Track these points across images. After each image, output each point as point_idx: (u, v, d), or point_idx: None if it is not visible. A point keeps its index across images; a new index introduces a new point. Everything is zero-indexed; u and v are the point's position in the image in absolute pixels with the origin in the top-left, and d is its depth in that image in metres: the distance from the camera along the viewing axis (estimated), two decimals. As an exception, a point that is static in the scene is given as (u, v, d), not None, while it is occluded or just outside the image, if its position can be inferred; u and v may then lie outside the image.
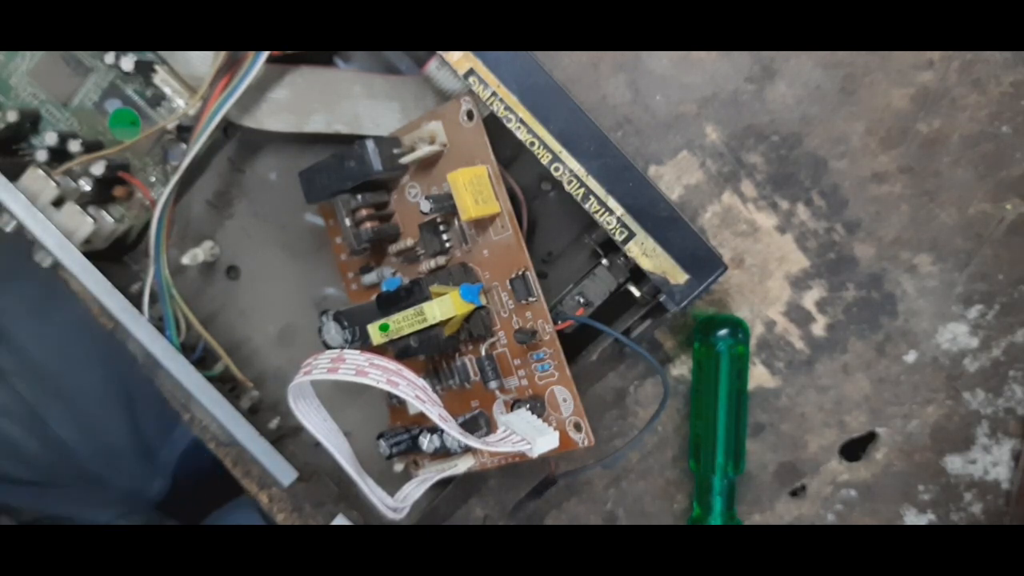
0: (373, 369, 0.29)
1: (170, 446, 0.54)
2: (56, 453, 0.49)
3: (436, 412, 0.29)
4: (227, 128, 0.38)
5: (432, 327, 0.32)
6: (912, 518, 0.38)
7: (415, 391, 0.29)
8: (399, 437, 0.35)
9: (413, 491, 0.34)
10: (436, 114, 0.33)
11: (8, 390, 0.48)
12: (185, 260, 0.38)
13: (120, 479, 0.52)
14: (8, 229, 0.35)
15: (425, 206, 0.32)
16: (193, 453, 0.54)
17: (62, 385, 0.49)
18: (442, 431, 0.33)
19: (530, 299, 0.32)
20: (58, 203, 0.35)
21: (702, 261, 0.30)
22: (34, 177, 0.34)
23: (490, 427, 0.34)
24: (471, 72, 0.31)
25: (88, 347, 0.50)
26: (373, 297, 0.34)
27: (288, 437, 0.40)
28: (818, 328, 0.37)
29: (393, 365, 0.29)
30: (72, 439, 0.49)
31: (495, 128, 0.31)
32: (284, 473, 0.36)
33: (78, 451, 0.50)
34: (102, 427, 0.50)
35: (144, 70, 0.36)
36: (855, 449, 0.38)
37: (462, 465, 0.35)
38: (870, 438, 0.38)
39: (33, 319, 0.49)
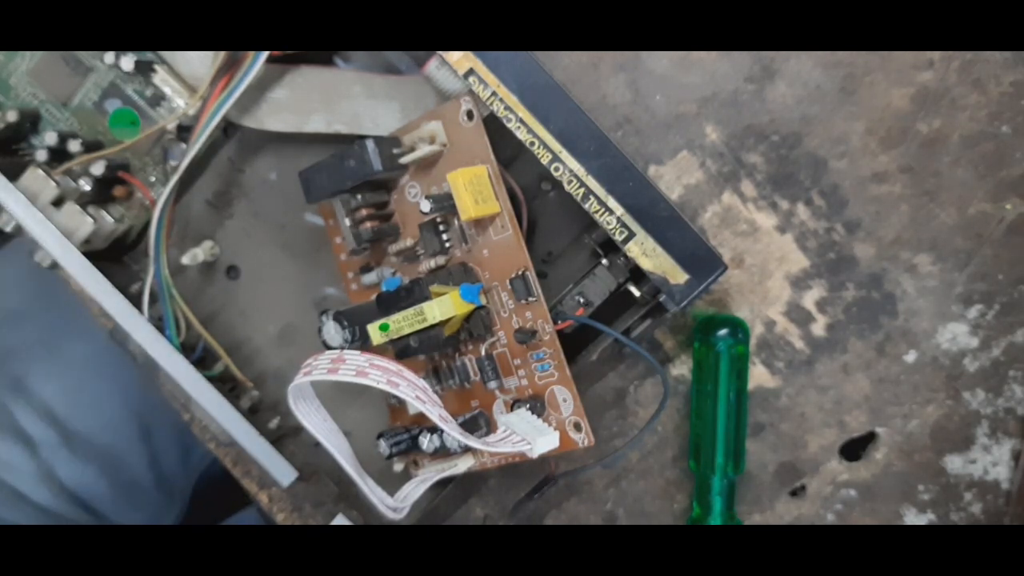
0: (373, 370, 0.29)
1: (188, 473, 0.53)
2: (69, 503, 0.48)
3: (436, 413, 0.29)
4: (227, 128, 0.38)
5: (432, 327, 0.32)
6: (912, 518, 0.38)
7: (415, 392, 0.29)
8: (399, 437, 0.35)
9: (413, 491, 0.34)
10: (436, 114, 0.33)
11: (21, 442, 0.47)
12: (185, 260, 0.38)
13: (137, 516, 0.51)
14: (8, 229, 0.35)
15: (425, 206, 0.32)
16: (208, 473, 0.53)
17: (78, 427, 0.48)
18: (442, 431, 0.33)
19: (530, 299, 0.32)
20: (58, 203, 0.35)
21: (702, 261, 0.30)
22: (34, 177, 0.34)
23: (490, 427, 0.34)
24: (471, 72, 0.31)
25: (104, 383, 0.48)
26: (373, 297, 0.34)
27: (288, 437, 0.40)
28: (818, 328, 0.37)
29: (393, 366, 0.29)
30: (87, 484, 0.48)
31: (495, 128, 0.31)
32: (284, 473, 0.36)
33: (94, 496, 0.48)
34: (120, 465, 0.49)
35: (144, 70, 0.36)
36: (855, 449, 0.38)
37: (462, 465, 0.35)
38: (870, 438, 0.38)
39: (48, 359, 0.48)
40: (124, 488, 0.49)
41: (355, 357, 0.29)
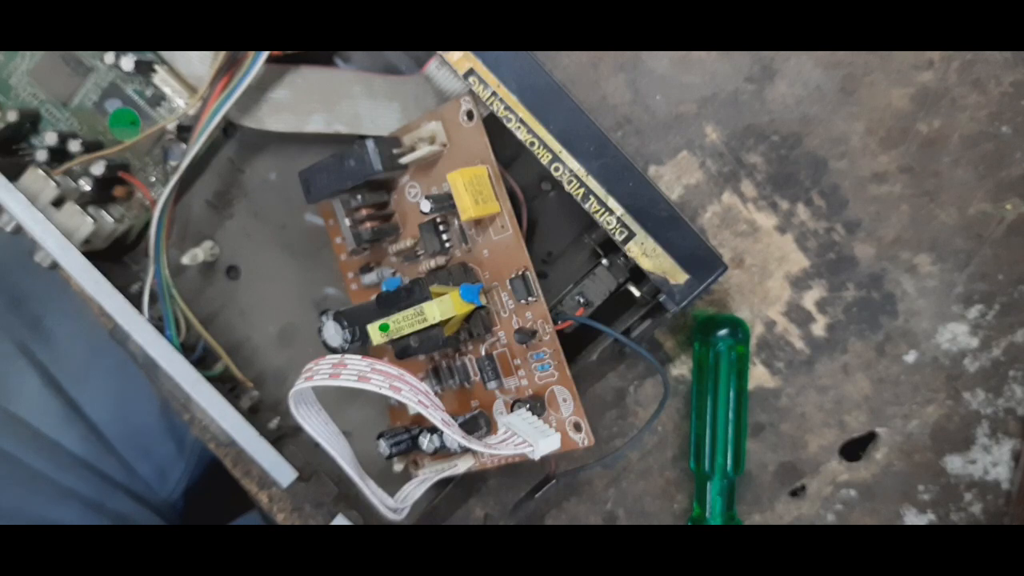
0: (375, 375, 0.29)
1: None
2: (91, 443, 0.48)
3: (439, 417, 0.29)
4: (227, 128, 0.38)
5: (432, 327, 0.32)
6: (912, 518, 0.38)
7: (418, 396, 0.29)
8: (399, 437, 0.35)
9: (413, 491, 0.34)
10: (436, 114, 0.33)
11: (47, 381, 0.47)
12: (185, 260, 0.38)
13: (147, 465, 0.50)
14: (8, 229, 0.35)
15: (425, 206, 0.32)
16: (209, 476, 0.53)
17: (94, 366, 0.48)
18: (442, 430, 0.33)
19: (530, 299, 0.32)
20: (58, 203, 0.35)
21: (702, 261, 0.30)
22: (34, 177, 0.34)
23: (490, 427, 0.34)
24: (471, 72, 0.31)
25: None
26: (373, 297, 0.34)
27: (288, 437, 0.40)
28: (818, 328, 0.37)
29: (395, 370, 0.29)
30: (107, 423, 0.48)
31: (495, 128, 0.31)
32: (284, 473, 0.36)
33: (110, 436, 0.49)
34: (133, 407, 0.49)
35: (144, 70, 0.36)
36: (855, 449, 0.38)
37: (462, 465, 0.35)
38: (870, 438, 0.38)
39: (64, 297, 0.48)
40: (135, 431, 0.49)
41: (357, 362, 0.29)
